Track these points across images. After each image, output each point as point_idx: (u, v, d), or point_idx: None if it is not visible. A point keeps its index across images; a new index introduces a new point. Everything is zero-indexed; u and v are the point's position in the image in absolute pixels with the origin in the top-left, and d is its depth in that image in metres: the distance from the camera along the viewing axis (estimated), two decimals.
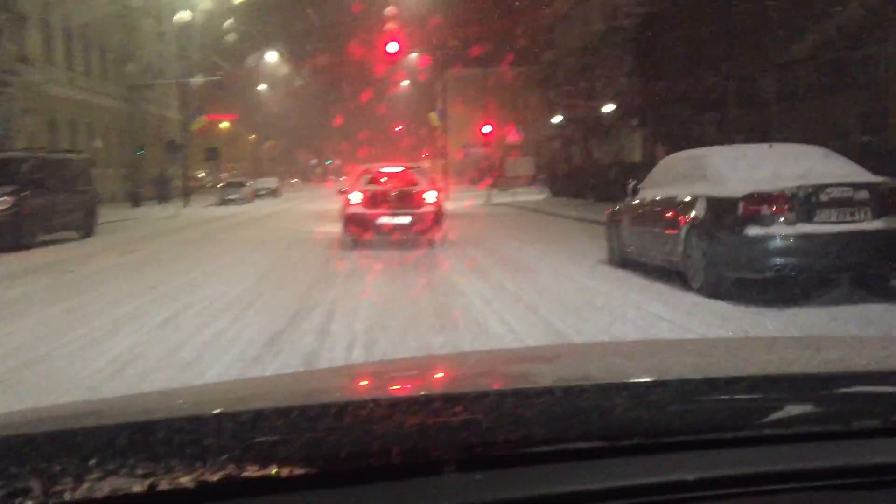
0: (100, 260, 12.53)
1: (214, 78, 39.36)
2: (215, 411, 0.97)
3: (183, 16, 34.84)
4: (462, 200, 29.76)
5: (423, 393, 1.13)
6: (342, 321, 6.50)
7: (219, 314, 6.96)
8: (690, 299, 7.26)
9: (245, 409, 0.97)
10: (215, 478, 0.81)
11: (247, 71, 58.73)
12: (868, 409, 1.03)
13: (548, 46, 40.45)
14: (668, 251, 8.21)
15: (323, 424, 0.92)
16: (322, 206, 27.36)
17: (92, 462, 0.81)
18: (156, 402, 1.21)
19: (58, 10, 31.21)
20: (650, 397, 1.03)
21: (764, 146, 8.21)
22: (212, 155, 42.96)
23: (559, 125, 36.70)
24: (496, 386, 1.19)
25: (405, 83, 64.75)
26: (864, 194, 6.89)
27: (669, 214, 8.25)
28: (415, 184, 13.39)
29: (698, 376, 1.14)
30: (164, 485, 0.80)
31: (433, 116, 37.88)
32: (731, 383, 1.08)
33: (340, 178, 39.19)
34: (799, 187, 6.84)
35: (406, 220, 12.84)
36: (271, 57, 54.98)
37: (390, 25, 29.14)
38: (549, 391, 1.04)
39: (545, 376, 1.31)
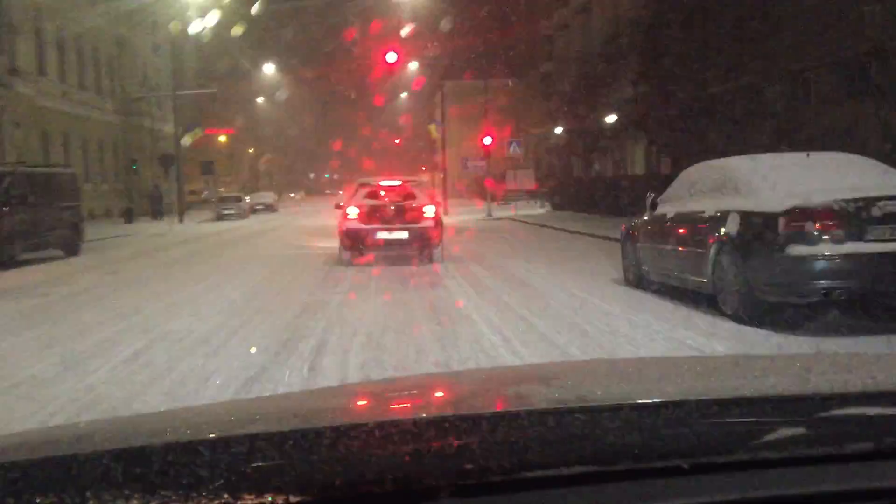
0: (80, 281, 11.75)
1: (209, 91, 38.68)
2: (210, 436, 0.99)
3: (178, 28, 34.09)
4: (461, 215, 29.17)
5: (417, 418, 1.09)
6: (334, 356, 5.74)
7: (194, 347, 6.19)
8: (724, 326, 6.49)
9: (240, 435, 0.98)
10: None
11: (246, 84, 58.30)
12: (862, 431, 1.02)
13: (547, 58, 39.92)
14: (693, 272, 7.45)
15: (317, 452, 0.92)
16: (319, 221, 26.74)
17: (88, 494, 0.81)
18: (151, 426, 1.20)
19: (50, 22, 30.47)
20: (644, 421, 1.02)
21: (801, 155, 7.41)
22: (207, 169, 42.12)
23: (560, 137, 35.98)
24: (491, 409, 1.19)
25: (404, 95, 64.46)
26: None
27: (695, 231, 7.50)
28: (413, 198, 12.79)
29: (692, 398, 1.12)
30: None
31: (432, 128, 37.50)
32: (725, 406, 1.08)
33: (339, 192, 38.58)
34: (847, 201, 6.05)
35: (404, 234, 12.44)
36: (269, 69, 54.61)
37: (391, 35, 28.69)
38: (543, 414, 1.04)
39: (540, 398, 1.30)
